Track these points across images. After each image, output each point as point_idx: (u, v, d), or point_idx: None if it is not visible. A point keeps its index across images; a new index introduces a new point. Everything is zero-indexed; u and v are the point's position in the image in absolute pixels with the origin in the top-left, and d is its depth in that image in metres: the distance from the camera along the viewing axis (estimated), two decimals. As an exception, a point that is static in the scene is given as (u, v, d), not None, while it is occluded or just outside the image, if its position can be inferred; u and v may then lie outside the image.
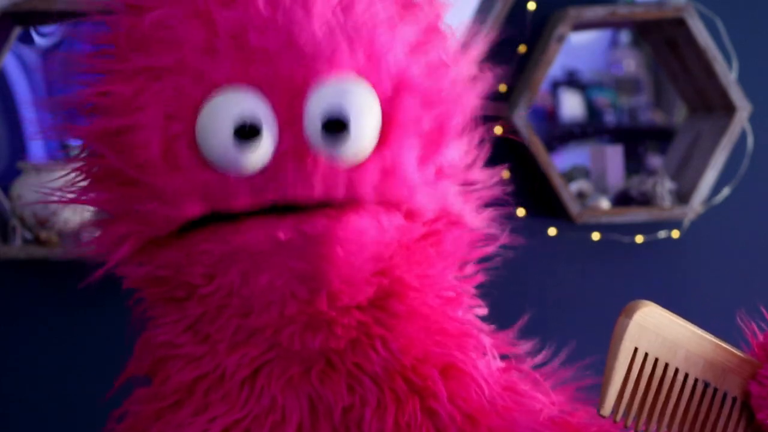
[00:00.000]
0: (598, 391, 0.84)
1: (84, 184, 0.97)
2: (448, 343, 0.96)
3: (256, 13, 0.89)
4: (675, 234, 1.78)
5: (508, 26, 1.67)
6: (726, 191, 1.78)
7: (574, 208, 1.68)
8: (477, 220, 0.97)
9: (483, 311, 1.00)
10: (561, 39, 1.65)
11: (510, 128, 1.64)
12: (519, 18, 1.69)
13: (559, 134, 3.12)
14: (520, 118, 1.63)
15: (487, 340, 0.99)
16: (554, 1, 1.71)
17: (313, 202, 0.88)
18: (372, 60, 0.90)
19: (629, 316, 0.83)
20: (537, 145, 1.64)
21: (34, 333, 1.78)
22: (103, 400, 1.03)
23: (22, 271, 1.77)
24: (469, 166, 0.97)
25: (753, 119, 1.77)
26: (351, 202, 0.89)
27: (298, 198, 0.87)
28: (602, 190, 1.89)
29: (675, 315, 0.85)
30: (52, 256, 1.68)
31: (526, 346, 1.04)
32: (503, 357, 1.01)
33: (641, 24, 1.78)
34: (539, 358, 1.05)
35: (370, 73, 0.89)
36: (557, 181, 1.66)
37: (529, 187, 1.73)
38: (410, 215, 0.93)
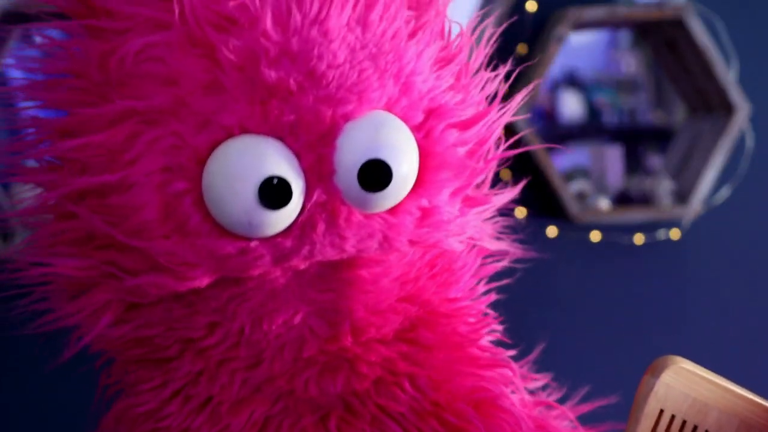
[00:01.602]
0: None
1: (51, 248, 0.78)
2: (480, 374, 0.85)
3: (265, 37, 0.72)
4: (675, 234, 1.78)
5: (508, 26, 1.67)
6: (726, 191, 1.78)
7: (573, 208, 1.68)
8: (495, 243, 0.89)
9: (498, 335, 0.91)
10: (561, 39, 1.65)
11: (509, 128, 1.64)
12: (519, 18, 1.69)
13: (559, 134, 3.12)
14: (520, 118, 1.63)
15: (515, 368, 0.88)
16: (554, 1, 1.71)
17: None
18: (402, 86, 0.77)
19: (656, 375, 0.75)
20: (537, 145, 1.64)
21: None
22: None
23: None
24: (485, 186, 0.87)
25: (752, 119, 1.77)
26: None
27: (327, 258, 0.76)
28: (602, 190, 1.89)
29: (705, 370, 0.75)
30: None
31: (543, 378, 0.95)
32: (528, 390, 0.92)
33: (641, 24, 1.78)
34: (557, 394, 0.96)
35: (402, 101, 0.77)
36: (557, 182, 1.66)
37: (529, 187, 1.73)
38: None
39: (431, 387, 0.82)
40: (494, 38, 0.87)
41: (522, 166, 1.69)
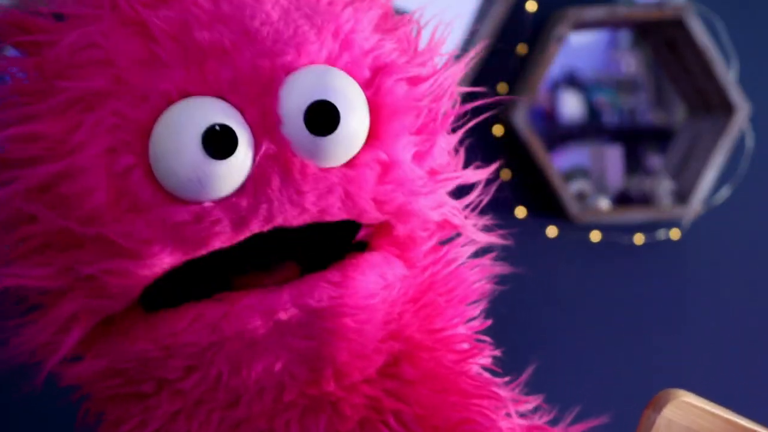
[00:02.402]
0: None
1: (14, 260, 0.75)
2: (468, 405, 0.83)
3: (196, 5, 0.73)
4: (675, 234, 1.78)
5: (508, 26, 1.67)
6: (726, 191, 1.78)
7: (573, 208, 1.68)
8: (477, 232, 0.86)
9: (490, 360, 0.89)
10: (561, 39, 1.65)
11: (509, 128, 1.64)
12: (519, 18, 1.69)
13: (559, 134, 3.12)
14: (520, 118, 1.63)
15: (506, 396, 0.86)
16: (554, 1, 1.71)
17: (306, 222, 0.75)
18: (342, 41, 0.76)
19: (657, 410, 0.71)
20: (537, 145, 1.64)
21: None
22: None
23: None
24: (459, 167, 0.85)
25: (752, 119, 1.77)
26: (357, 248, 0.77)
27: (289, 220, 0.74)
28: (602, 190, 1.89)
29: (710, 403, 0.74)
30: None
31: (534, 400, 0.91)
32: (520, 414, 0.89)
33: (641, 24, 1.78)
34: (546, 417, 0.92)
35: (344, 56, 0.76)
36: (557, 182, 1.66)
37: (529, 187, 1.73)
38: (410, 263, 0.81)
39: (417, 422, 0.81)
40: (491, 37, 0.86)
41: (522, 166, 1.69)
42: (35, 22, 0.77)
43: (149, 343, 0.76)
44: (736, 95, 1.72)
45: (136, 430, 0.80)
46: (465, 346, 0.85)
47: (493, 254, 0.90)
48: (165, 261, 0.72)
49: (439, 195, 0.81)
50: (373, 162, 0.75)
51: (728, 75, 1.72)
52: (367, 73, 0.76)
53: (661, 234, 1.78)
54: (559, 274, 1.76)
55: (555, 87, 3.22)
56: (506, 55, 1.68)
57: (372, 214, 0.77)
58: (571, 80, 3.28)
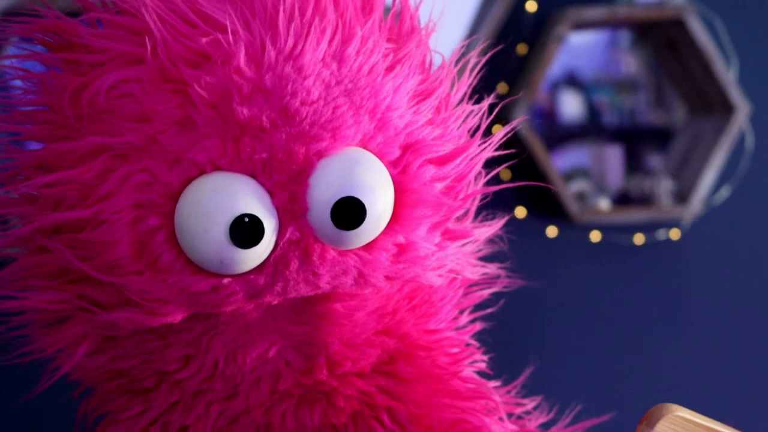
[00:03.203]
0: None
1: (24, 282, 0.77)
2: (461, 407, 0.84)
3: (238, 74, 0.72)
4: (674, 234, 1.78)
5: (508, 26, 1.67)
6: (726, 191, 1.78)
7: (573, 208, 1.68)
8: (476, 274, 0.87)
9: (483, 365, 0.90)
10: (561, 39, 1.65)
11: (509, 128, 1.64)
12: (519, 18, 1.69)
13: (559, 134, 3.12)
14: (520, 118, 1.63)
15: (497, 399, 0.86)
16: (554, 1, 1.71)
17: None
18: (377, 122, 0.75)
19: (651, 425, 0.72)
20: (537, 145, 1.64)
21: None
22: None
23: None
24: (466, 218, 0.85)
25: (752, 119, 1.77)
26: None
27: (301, 294, 0.75)
28: (602, 190, 1.89)
29: (703, 417, 0.74)
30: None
31: (531, 402, 0.92)
32: (511, 416, 0.90)
33: (641, 24, 1.78)
34: (545, 418, 0.93)
35: (377, 137, 0.75)
36: (557, 181, 1.66)
37: (529, 187, 1.73)
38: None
39: (410, 421, 0.82)
40: (477, 71, 0.85)
41: (522, 166, 1.69)
42: (78, 33, 0.76)
43: (147, 334, 0.77)
44: (736, 95, 1.72)
45: (133, 420, 0.81)
46: (458, 349, 0.86)
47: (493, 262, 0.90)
48: (177, 317, 0.74)
49: (447, 253, 0.81)
50: (390, 245, 0.76)
51: (728, 75, 1.72)
52: (397, 153, 0.76)
53: (661, 234, 1.78)
54: (559, 274, 1.76)
55: (555, 87, 3.22)
56: (506, 55, 1.68)
57: (380, 285, 0.78)
58: (571, 80, 3.28)
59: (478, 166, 0.82)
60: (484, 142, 0.82)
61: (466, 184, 0.80)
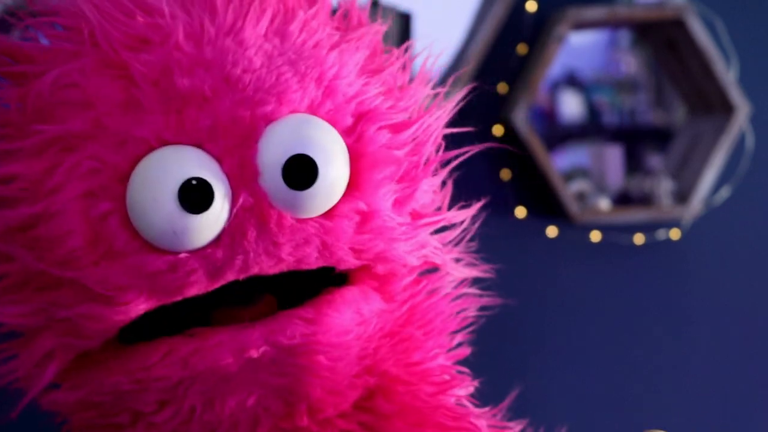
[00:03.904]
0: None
1: None
2: None
3: (178, 50, 0.72)
4: (674, 234, 1.78)
5: (508, 26, 1.67)
6: (726, 191, 1.78)
7: (573, 208, 1.68)
8: (459, 268, 0.85)
9: (471, 390, 0.88)
10: (561, 39, 1.65)
11: (509, 128, 1.64)
12: (519, 18, 1.69)
13: (559, 134, 3.12)
14: (520, 118, 1.63)
15: (483, 427, 0.85)
16: (554, 1, 1.71)
17: (282, 271, 0.74)
18: (325, 89, 0.75)
19: None
20: (537, 145, 1.64)
21: None
22: None
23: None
24: (442, 207, 0.84)
25: (752, 119, 1.77)
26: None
27: (265, 270, 0.73)
28: (602, 190, 1.89)
29: None
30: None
31: (517, 427, 0.90)
32: None
33: (641, 24, 1.78)
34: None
35: (326, 104, 0.75)
36: (557, 181, 1.66)
37: (529, 187, 1.73)
38: (389, 297, 0.80)
39: None
40: (432, 58, 0.84)
41: (522, 166, 1.69)
42: (23, 50, 0.76)
43: (122, 376, 0.75)
44: (736, 95, 1.72)
45: None
46: (444, 377, 0.85)
47: (477, 284, 0.88)
48: (140, 307, 0.72)
49: (420, 238, 0.80)
50: (351, 212, 0.75)
51: (728, 75, 1.72)
52: (349, 121, 0.75)
53: (661, 234, 1.78)
54: (559, 274, 1.76)
55: (555, 87, 3.22)
56: (506, 55, 1.68)
57: (350, 262, 0.77)
58: (571, 80, 3.28)
59: (436, 134, 0.81)
60: (440, 111, 0.81)
61: (425, 151, 0.79)
